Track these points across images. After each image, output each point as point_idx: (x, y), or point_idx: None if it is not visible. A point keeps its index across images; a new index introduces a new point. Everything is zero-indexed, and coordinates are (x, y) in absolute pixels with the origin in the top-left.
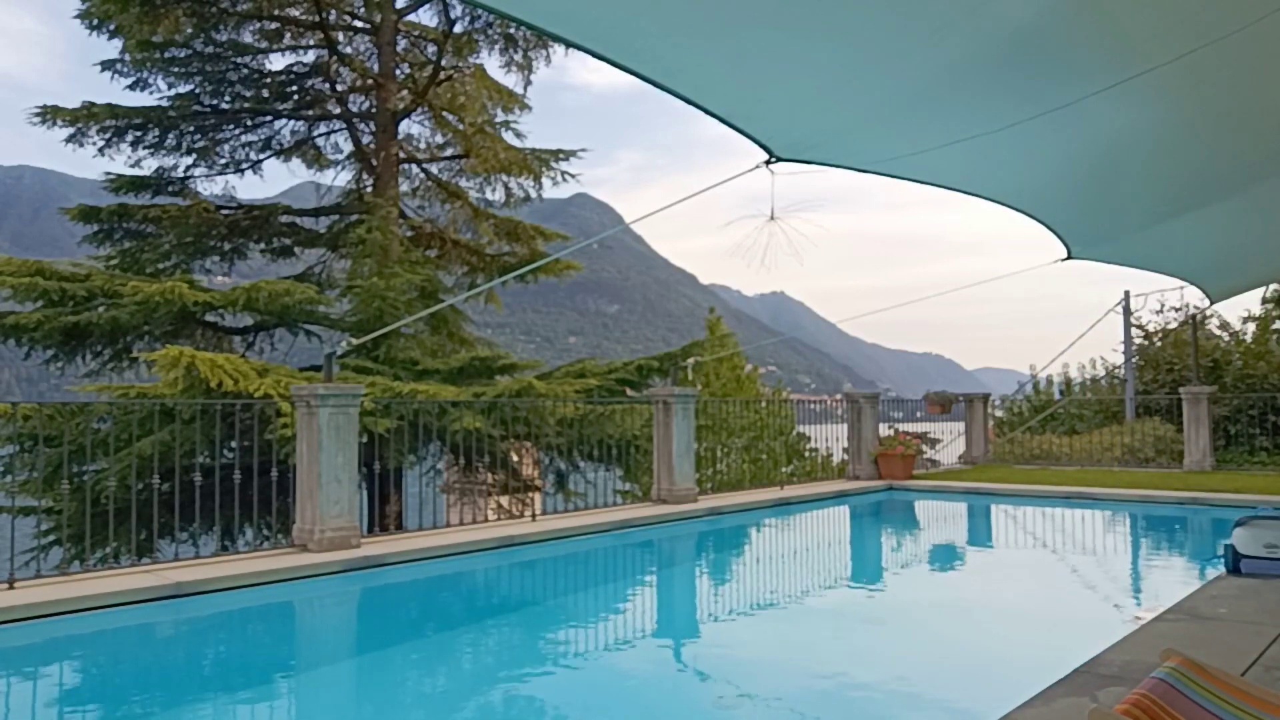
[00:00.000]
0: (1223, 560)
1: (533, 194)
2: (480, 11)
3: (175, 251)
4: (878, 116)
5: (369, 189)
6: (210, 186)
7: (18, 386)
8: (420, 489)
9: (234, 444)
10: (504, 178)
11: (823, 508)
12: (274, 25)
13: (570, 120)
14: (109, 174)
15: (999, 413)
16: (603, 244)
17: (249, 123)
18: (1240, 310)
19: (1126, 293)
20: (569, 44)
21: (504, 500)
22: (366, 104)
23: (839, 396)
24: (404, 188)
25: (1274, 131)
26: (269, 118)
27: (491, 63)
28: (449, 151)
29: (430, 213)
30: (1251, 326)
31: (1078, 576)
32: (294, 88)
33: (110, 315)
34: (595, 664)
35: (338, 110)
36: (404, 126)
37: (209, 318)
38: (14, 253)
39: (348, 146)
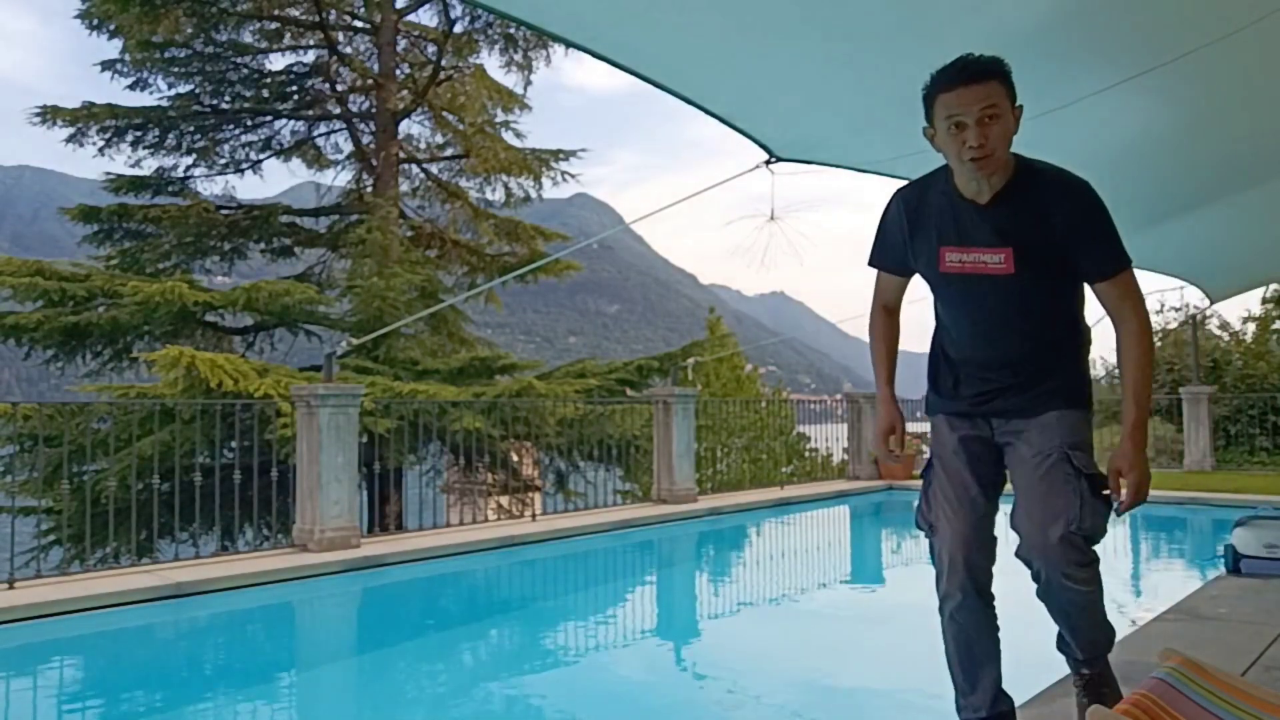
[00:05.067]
0: (1223, 560)
1: (533, 194)
2: (480, 11)
3: (175, 251)
4: (878, 116)
5: (369, 189)
6: (210, 186)
7: (18, 386)
8: (420, 489)
9: (234, 444)
10: (504, 178)
11: (823, 508)
12: (274, 25)
13: (568, 120)
14: (109, 174)
15: None
16: (603, 244)
17: (249, 123)
18: (1240, 310)
19: None
20: (569, 44)
21: (504, 500)
22: (366, 104)
23: (839, 396)
24: (404, 188)
25: (1274, 131)
26: (269, 118)
27: (491, 63)
28: (449, 151)
29: (430, 213)
30: (1251, 326)
31: None
32: (294, 88)
33: (110, 315)
34: (596, 664)
35: (338, 110)
36: (404, 126)
37: (209, 318)
38: (14, 253)
39: (348, 146)
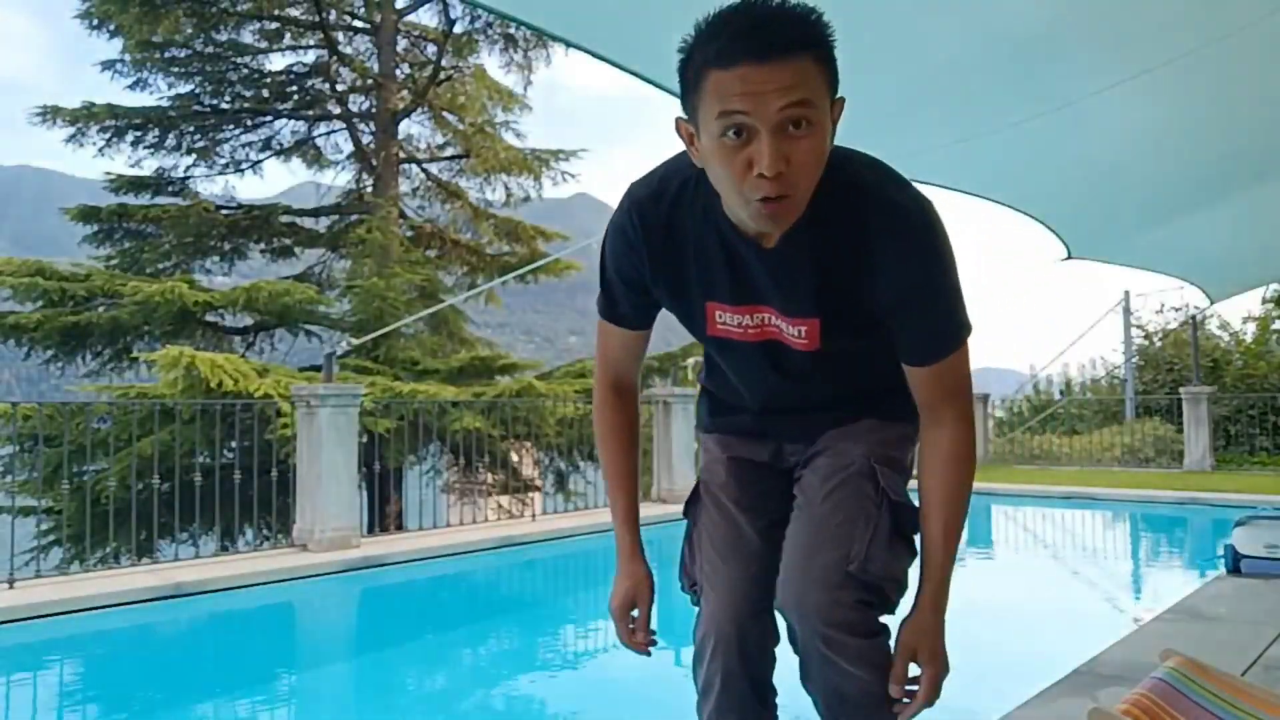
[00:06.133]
0: (1223, 560)
1: (533, 194)
2: (480, 11)
3: (175, 251)
4: (877, 117)
5: (369, 189)
6: (210, 186)
7: (18, 386)
8: (420, 489)
9: (234, 444)
10: (504, 177)
11: None
12: (274, 25)
13: (568, 120)
14: (109, 174)
15: (999, 413)
16: None
17: (249, 123)
18: (1240, 310)
19: (1126, 293)
20: (569, 44)
21: (504, 500)
22: (366, 104)
23: None
24: (404, 188)
25: (1275, 130)
26: (269, 118)
27: (491, 63)
28: (449, 151)
29: (430, 213)
30: (1251, 326)
31: (1078, 576)
32: (294, 88)
33: (110, 315)
34: (596, 664)
35: (338, 110)
36: (404, 126)
37: (209, 318)
38: (14, 253)
39: (348, 146)
